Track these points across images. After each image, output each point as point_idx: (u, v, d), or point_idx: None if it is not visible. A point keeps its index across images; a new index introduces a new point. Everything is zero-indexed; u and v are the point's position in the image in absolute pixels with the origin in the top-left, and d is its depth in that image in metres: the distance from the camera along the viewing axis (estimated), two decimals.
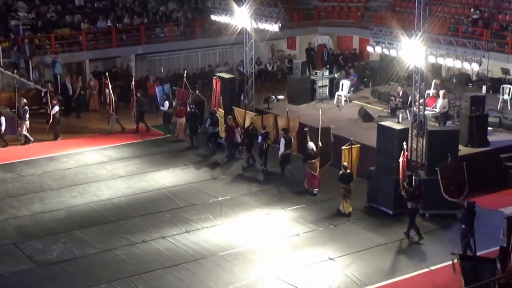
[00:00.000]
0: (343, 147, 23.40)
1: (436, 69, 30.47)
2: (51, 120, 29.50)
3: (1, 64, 32.68)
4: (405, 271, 19.42)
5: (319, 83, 31.70)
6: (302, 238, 21.28)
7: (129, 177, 25.85)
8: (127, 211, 23.06)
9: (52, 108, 29.38)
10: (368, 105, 30.46)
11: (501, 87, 30.07)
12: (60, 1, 36.90)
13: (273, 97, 31.79)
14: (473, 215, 19.54)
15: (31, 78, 32.93)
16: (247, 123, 27.40)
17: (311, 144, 24.05)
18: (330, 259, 19.94)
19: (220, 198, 23.99)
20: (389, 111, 28.70)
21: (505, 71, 32.45)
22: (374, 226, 21.97)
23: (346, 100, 31.15)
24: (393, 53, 24.72)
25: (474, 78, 33.58)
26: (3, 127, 28.80)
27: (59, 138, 29.69)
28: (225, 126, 27.68)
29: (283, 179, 25.53)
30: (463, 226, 19.72)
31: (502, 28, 33.40)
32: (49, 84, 31.81)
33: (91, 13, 36.68)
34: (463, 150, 24.39)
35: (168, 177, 25.83)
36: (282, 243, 20.95)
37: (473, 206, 19.57)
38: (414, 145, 23.77)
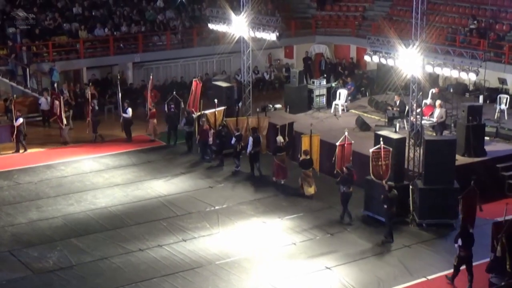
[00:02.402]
0: (302, 135, 25.47)
1: (433, 79, 30.51)
2: (15, 132, 28.76)
3: None
4: (401, 280, 19.38)
5: (316, 92, 31.71)
6: (298, 247, 21.25)
7: (126, 185, 25.82)
8: (123, 219, 23.02)
9: (16, 120, 28.80)
10: (365, 114, 30.48)
11: (498, 96, 30.10)
12: (58, 9, 36.94)
13: (270, 106, 31.83)
14: (391, 198, 21.18)
15: (29, 86, 32.93)
16: (218, 122, 28.28)
17: (279, 138, 25.71)
18: (327, 268, 19.90)
19: (216, 207, 23.97)
20: (386, 120, 28.69)
21: (502, 81, 32.52)
22: (371, 235, 21.95)
23: (343, 109, 31.18)
24: (390, 62, 24.74)
25: (471, 87, 33.64)
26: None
27: (25, 151, 29.10)
28: (198, 128, 28.54)
29: (279, 188, 25.52)
30: (385, 206, 21.23)
31: (499, 38, 33.50)
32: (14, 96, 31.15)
33: (89, 21, 36.70)
34: (460, 159, 24.41)
35: (165, 186, 25.80)
36: (278, 252, 20.91)
37: (392, 188, 21.27)
38: (411, 155, 23.77)
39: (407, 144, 23.66)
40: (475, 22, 34.61)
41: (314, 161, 24.97)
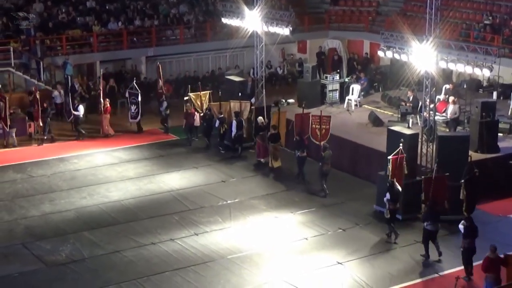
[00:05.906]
0: (272, 111, 28.14)
1: (447, 75, 30.37)
2: None
3: (12, 64, 32.78)
4: (413, 276, 19.40)
5: (330, 87, 31.67)
6: (310, 242, 21.27)
7: (139, 179, 25.90)
8: (136, 213, 23.11)
9: None
10: (378, 110, 30.40)
11: None
12: (71, 2, 37.01)
13: (283, 100, 31.79)
14: (325, 157, 24.06)
15: (42, 79, 33.00)
16: (204, 106, 29.71)
17: (260, 118, 27.45)
18: (339, 263, 19.93)
19: (229, 201, 24.01)
20: (399, 116, 28.64)
21: None
22: (382, 230, 21.91)
23: (356, 105, 31.12)
24: (403, 58, 24.65)
25: (485, 83, 33.46)
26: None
27: None
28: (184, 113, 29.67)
29: (291, 183, 25.53)
30: (320, 164, 24.06)
31: None
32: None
33: (102, 14, 36.75)
34: (473, 156, 24.23)
35: (177, 179, 25.87)
36: (290, 246, 20.95)
37: (326, 148, 24.26)
38: (424, 150, 23.71)
39: (420, 140, 23.61)
40: (490, 17, 34.41)
41: (282, 136, 27.08)
